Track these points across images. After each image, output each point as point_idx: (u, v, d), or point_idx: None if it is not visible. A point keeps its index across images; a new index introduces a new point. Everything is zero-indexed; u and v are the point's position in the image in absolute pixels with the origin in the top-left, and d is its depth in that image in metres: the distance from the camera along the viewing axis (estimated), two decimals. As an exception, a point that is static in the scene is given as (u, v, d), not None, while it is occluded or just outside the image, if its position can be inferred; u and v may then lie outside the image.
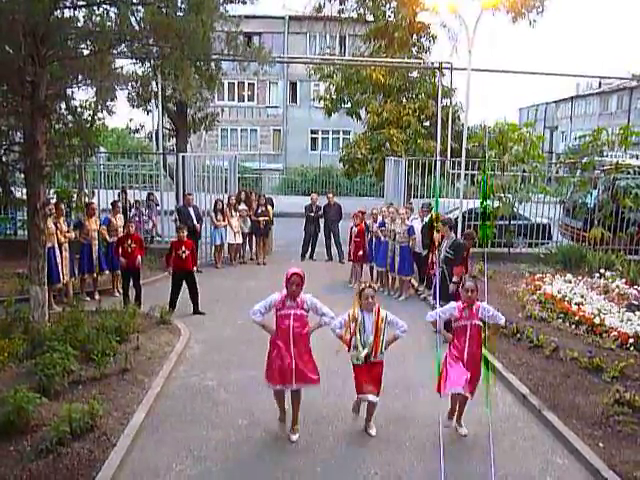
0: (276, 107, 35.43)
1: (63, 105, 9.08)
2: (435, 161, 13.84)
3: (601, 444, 5.44)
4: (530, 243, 14.21)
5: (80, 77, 8.10)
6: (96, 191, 13.88)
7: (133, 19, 7.52)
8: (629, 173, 13.94)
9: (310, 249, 14.22)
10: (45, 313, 7.84)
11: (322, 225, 14.32)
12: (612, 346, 7.63)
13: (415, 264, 11.29)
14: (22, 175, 8.45)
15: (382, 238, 11.13)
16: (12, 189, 9.10)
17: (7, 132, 8.59)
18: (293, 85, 35.16)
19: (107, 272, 10.51)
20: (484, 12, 13.53)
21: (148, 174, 15.10)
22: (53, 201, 10.11)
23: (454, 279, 8.40)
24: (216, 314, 9.60)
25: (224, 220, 13.11)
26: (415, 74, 18.87)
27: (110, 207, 11.42)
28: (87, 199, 12.58)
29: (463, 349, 5.49)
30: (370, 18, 20.09)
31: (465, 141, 13.72)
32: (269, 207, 14.12)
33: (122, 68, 8.71)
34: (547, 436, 5.78)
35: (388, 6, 19.20)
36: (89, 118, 9.48)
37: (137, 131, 18.94)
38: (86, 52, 7.88)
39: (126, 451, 5.13)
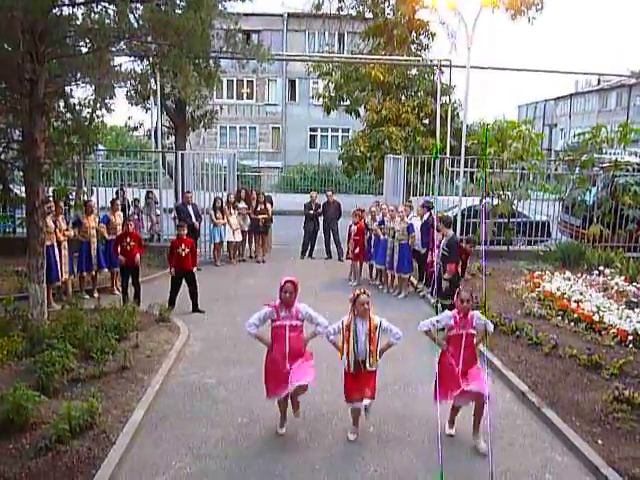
0: (275, 105, 35.40)
1: (62, 103, 9.06)
2: (434, 159, 13.83)
3: (600, 441, 5.45)
4: (529, 240, 14.22)
5: (79, 75, 8.08)
6: (95, 189, 13.87)
7: (132, 16, 7.52)
8: (628, 170, 13.95)
9: (309, 247, 14.23)
10: (44, 311, 7.84)
11: (321, 223, 14.33)
12: (611, 343, 7.63)
13: (414, 262, 11.29)
14: (21, 173, 8.45)
15: (381, 236, 11.14)
16: (11, 187, 9.08)
17: (6, 130, 8.58)
18: (292, 83, 35.14)
19: (106, 270, 10.50)
20: (483, 9, 13.52)
21: (147, 172, 15.08)
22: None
23: (445, 275, 8.45)
24: (215, 312, 9.60)
25: (223, 218, 13.11)
26: (414, 72, 18.88)
27: (109, 205, 11.41)
28: (86, 197, 12.57)
29: (458, 357, 5.46)
30: (369, 15, 20.11)
31: (464, 139, 13.72)
32: (268, 205, 14.11)
33: (121, 66, 8.71)
34: (546, 433, 5.79)
35: (387, 3, 19.21)
36: (88, 116, 9.43)
37: (136, 129, 18.92)
38: (85, 50, 7.86)
39: (125, 449, 5.13)
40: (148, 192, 14.84)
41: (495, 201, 13.40)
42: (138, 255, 9.62)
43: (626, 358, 7.04)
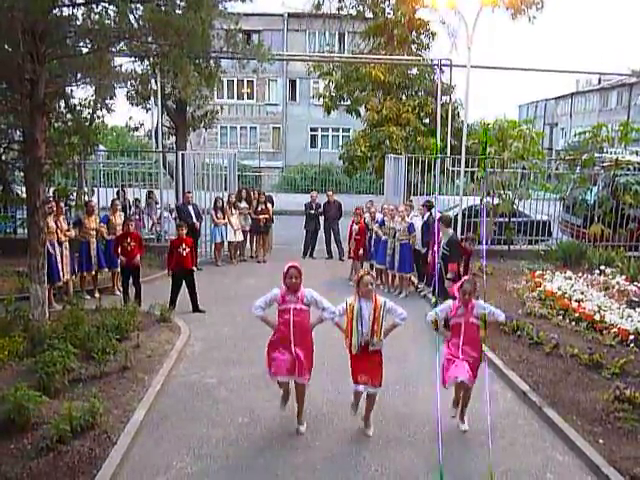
0: (275, 105, 35.40)
1: (62, 103, 9.07)
2: (435, 158, 13.83)
3: (601, 440, 5.45)
4: (530, 240, 14.19)
5: (79, 75, 8.09)
6: (96, 189, 13.88)
7: (132, 17, 7.51)
8: (629, 169, 13.94)
9: (310, 247, 14.23)
10: (45, 311, 7.84)
11: (322, 223, 14.32)
12: (612, 343, 7.63)
13: (415, 261, 11.28)
14: (22, 173, 8.45)
15: (382, 237, 11.12)
16: (12, 187, 9.10)
17: (6, 130, 8.59)
18: (292, 83, 35.13)
19: (106, 270, 10.50)
20: (483, 9, 13.51)
21: (147, 172, 15.10)
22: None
23: (448, 275, 8.46)
24: (216, 312, 9.60)
25: (224, 218, 13.11)
26: (414, 71, 18.89)
27: (109, 205, 11.41)
28: (87, 197, 12.58)
29: (458, 346, 5.50)
30: (369, 15, 20.11)
31: (465, 138, 13.71)
32: (269, 205, 14.12)
33: (121, 66, 8.72)
34: (547, 433, 5.78)
35: (387, 3, 19.22)
36: (88, 116, 9.45)
37: (136, 129, 18.89)
38: (85, 50, 7.86)
39: (126, 449, 5.13)
40: (149, 192, 14.84)
41: (496, 200, 13.39)
42: (138, 255, 9.62)
43: (627, 357, 7.04)
